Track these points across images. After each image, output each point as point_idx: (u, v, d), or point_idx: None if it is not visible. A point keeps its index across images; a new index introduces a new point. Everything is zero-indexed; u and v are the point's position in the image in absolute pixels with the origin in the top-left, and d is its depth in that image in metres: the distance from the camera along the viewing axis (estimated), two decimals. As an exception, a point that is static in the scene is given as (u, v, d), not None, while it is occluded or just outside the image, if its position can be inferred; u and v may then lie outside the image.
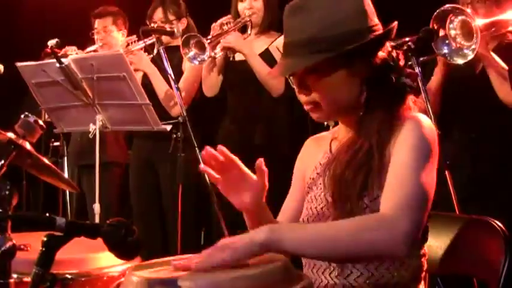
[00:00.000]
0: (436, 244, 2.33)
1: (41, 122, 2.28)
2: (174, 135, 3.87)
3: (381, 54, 2.02)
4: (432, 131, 1.94)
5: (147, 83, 4.43)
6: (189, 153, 3.96)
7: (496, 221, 2.26)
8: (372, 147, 1.96)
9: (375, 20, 2.01)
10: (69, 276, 2.39)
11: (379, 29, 2.01)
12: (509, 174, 3.57)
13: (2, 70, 4.36)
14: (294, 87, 2.06)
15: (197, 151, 3.72)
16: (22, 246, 2.16)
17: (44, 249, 1.80)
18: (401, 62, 2.06)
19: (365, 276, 1.99)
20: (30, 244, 2.18)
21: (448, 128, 3.66)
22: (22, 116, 2.18)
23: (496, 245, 2.23)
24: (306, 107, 2.04)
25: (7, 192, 2.08)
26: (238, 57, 4.38)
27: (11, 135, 2.21)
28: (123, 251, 1.86)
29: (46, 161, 2.23)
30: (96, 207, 3.73)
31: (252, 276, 1.81)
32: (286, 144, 4.36)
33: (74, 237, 1.83)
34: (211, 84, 4.45)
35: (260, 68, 4.22)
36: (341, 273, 2.01)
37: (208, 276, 1.84)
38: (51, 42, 3.42)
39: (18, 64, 3.85)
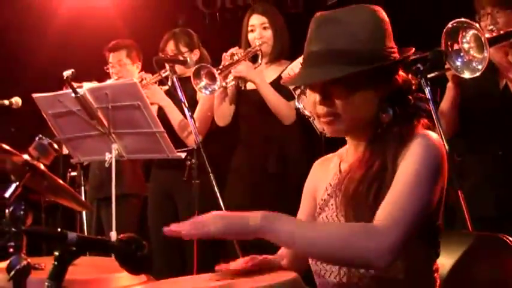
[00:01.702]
0: (450, 262, 2.33)
1: (55, 145, 2.33)
2: (189, 162, 3.89)
3: (402, 74, 2.07)
4: (440, 147, 1.97)
5: (162, 115, 4.47)
6: (203, 179, 3.97)
7: (509, 237, 2.26)
8: (386, 162, 1.98)
9: (393, 43, 2.05)
10: (82, 296, 2.42)
11: (396, 51, 2.05)
12: None
13: (20, 103, 4.43)
14: (312, 98, 2.05)
15: (211, 177, 3.73)
16: (37, 265, 2.20)
17: (56, 263, 1.83)
18: (414, 87, 2.11)
19: None
20: (45, 263, 2.22)
21: (475, 146, 3.66)
22: (37, 139, 2.24)
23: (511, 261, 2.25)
24: (324, 119, 2.03)
25: (22, 213, 2.12)
26: (250, 86, 4.41)
27: (26, 157, 2.25)
28: (133, 266, 1.89)
29: (60, 181, 2.26)
30: (113, 234, 3.75)
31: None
32: (298, 173, 4.36)
33: (85, 252, 1.86)
34: (223, 114, 4.48)
35: (271, 96, 4.26)
36: None
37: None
38: (67, 73, 3.47)
39: (35, 95, 3.90)
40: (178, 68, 4.52)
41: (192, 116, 3.94)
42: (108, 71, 5.05)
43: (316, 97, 2.02)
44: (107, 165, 3.98)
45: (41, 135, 2.30)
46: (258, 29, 4.41)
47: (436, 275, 2.09)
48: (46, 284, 1.83)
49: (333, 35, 1.99)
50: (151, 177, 4.95)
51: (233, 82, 4.37)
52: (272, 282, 1.98)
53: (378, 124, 2.04)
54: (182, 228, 1.94)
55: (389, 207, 1.87)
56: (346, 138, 2.17)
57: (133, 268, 1.89)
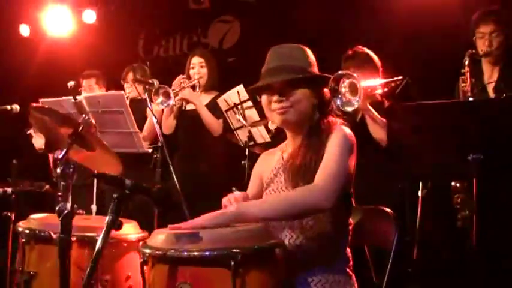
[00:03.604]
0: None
1: (93, 121, 2.26)
2: (155, 155, 3.80)
3: (326, 91, 2.26)
4: (350, 137, 2.15)
5: None
6: (164, 168, 3.89)
7: (386, 208, 2.46)
8: (320, 144, 2.13)
9: (317, 69, 2.26)
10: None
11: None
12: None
13: (18, 109, 4.20)
14: (267, 99, 2.19)
15: (171, 167, 3.67)
16: (80, 212, 2.13)
17: (116, 201, 1.79)
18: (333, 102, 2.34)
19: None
20: (83, 212, 2.14)
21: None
22: (82, 117, 2.17)
23: (389, 225, 2.41)
24: (279, 111, 2.17)
25: (71, 170, 2.06)
26: (189, 107, 4.44)
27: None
28: (167, 205, 1.87)
29: (104, 143, 2.18)
30: (93, 207, 3.62)
31: (247, 230, 1.93)
32: (222, 172, 4.40)
33: (135, 195, 1.83)
34: (169, 126, 4.46)
35: (206, 115, 4.32)
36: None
37: (220, 230, 1.92)
38: (70, 84, 3.34)
39: (41, 100, 3.74)
40: (136, 93, 4.49)
41: (158, 122, 3.87)
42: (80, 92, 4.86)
43: (274, 97, 2.16)
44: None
45: (86, 116, 2.23)
46: (197, 67, 4.47)
47: (350, 228, 2.23)
48: (108, 216, 1.80)
49: (285, 57, 2.18)
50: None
51: (179, 102, 4.38)
52: (253, 226, 2.03)
53: (311, 121, 2.20)
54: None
55: (324, 171, 2.04)
56: (287, 134, 2.30)
57: (167, 208, 1.88)
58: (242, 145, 4.07)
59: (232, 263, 1.75)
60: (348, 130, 2.17)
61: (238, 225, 2.06)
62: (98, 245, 1.77)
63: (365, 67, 3.63)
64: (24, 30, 6.26)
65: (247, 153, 3.96)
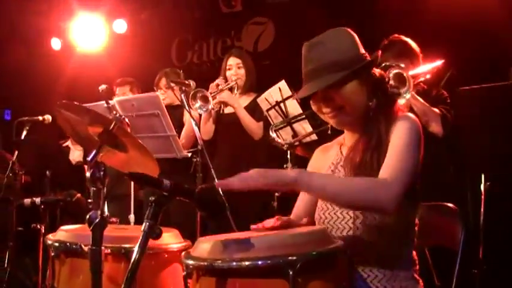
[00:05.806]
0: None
1: (127, 120, 2.01)
2: (195, 160, 3.53)
3: (377, 71, 1.99)
4: (418, 124, 1.90)
5: None
6: (205, 173, 3.59)
7: (449, 204, 2.29)
8: (381, 136, 1.89)
9: (363, 50, 1.98)
10: (138, 250, 2.08)
11: (367, 55, 1.97)
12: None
13: (50, 119, 4.02)
14: (315, 105, 1.97)
15: (212, 171, 3.37)
16: (113, 220, 1.87)
17: (153, 205, 1.52)
18: (387, 79, 2.04)
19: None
20: (117, 219, 1.88)
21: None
22: (113, 114, 1.93)
23: (454, 222, 2.24)
24: (330, 115, 1.94)
25: (101, 174, 1.79)
26: (227, 110, 4.17)
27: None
28: (212, 209, 1.59)
29: (139, 141, 1.92)
30: (132, 217, 3.34)
31: (305, 233, 1.71)
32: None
33: (175, 197, 1.55)
34: (208, 131, 4.18)
35: (246, 118, 4.04)
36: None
37: (275, 234, 1.71)
38: (102, 88, 3.12)
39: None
40: (170, 99, 4.26)
41: (197, 125, 3.59)
42: (114, 101, 4.68)
43: (321, 104, 1.94)
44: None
45: (120, 114, 1.97)
46: (234, 68, 4.19)
47: (416, 228, 1.99)
48: (145, 222, 1.53)
49: (320, 54, 1.92)
50: None
51: (217, 105, 4.11)
52: (310, 229, 1.83)
53: (368, 110, 1.95)
54: (231, 183, 1.69)
55: (391, 167, 1.79)
56: (344, 130, 2.07)
57: (212, 211, 1.60)
58: (285, 148, 3.76)
59: (291, 272, 1.51)
60: (413, 116, 1.91)
61: (295, 228, 1.84)
62: (134, 256, 1.49)
63: (404, 55, 3.37)
64: (56, 44, 6.18)
65: (289, 156, 3.66)
